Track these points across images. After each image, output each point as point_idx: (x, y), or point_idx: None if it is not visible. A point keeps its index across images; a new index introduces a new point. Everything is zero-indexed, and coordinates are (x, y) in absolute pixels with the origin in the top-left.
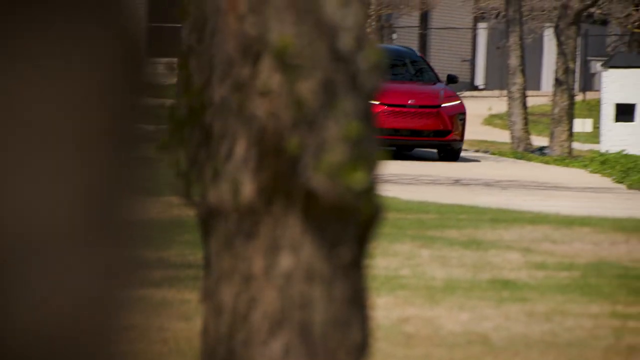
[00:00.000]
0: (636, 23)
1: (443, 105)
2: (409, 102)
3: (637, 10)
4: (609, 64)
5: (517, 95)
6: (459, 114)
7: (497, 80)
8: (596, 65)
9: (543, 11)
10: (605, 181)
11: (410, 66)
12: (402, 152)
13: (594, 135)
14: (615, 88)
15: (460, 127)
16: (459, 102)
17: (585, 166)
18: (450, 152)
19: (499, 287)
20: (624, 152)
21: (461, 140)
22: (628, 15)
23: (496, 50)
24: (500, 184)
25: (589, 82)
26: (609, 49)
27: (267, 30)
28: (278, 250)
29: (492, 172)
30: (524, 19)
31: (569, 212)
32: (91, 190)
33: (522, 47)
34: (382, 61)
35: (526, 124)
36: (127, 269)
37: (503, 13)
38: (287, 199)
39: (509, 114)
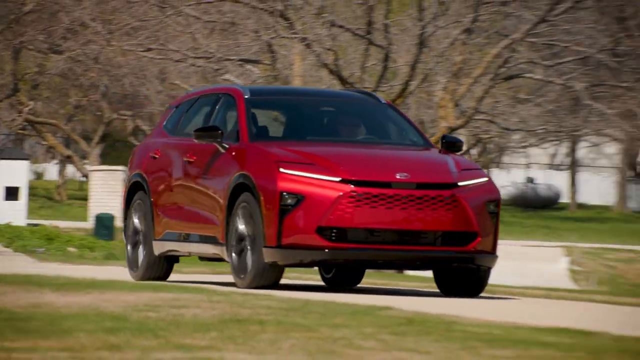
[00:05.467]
0: (19, 125)
1: (461, 183)
2: (398, 176)
3: (20, 115)
4: (0, 156)
5: None
6: (489, 201)
7: None
8: None
9: None
10: None
11: (375, 121)
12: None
13: None
14: (6, 174)
15: (493, 227)
16: (486, 179)
17: None
18: (470, 276)
19: None
20: (11, 224)
21: (493, 252)
22: (13, 119)
23: None
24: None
25: None
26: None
27: None
28: None
29: None
30: None
31: None
32: None
33: None
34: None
35: None
36: None
37: None
38: None
39: None
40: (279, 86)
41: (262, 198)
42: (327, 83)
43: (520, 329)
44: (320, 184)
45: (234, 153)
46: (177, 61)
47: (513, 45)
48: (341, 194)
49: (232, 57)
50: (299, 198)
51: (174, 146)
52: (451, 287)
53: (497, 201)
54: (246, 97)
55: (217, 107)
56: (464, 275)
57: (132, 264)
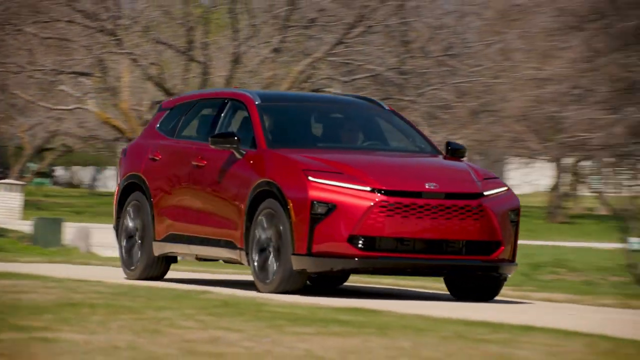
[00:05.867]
0: None
1: (486, 193)
2: (427, 186)
3: None
4: None
5: None
6: (511, 210)
7: None
8: None
9: None
10: None
11: (383, 128)
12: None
13: None
14: None
15: (513, 235)
16: (506, 188)
17: None
18: (488, 282)
19: None
20: None
21: (513, 260)
22: None
23: None
24: None
25: None
26: None
27: None
28: None
29: None
30: None
31: None
32: None
33: None
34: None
35: None
36: None
37: None
38: None
39: None
40: (285, 92)
41: (290, 206)
42: (152, 94)
43: (321, 309)
44: (351, 193)
45: (251, 160)
46: (15, 73)
47: (315, 64)
48: (372, 203)
49: (66, 70)
50: (330, 207)
51: (177, 149)
52: (468, 291)
53: (517, 210)
54: (257, 103)
55: (224, 112)
56: (481, 281)
57: (127, 263)
